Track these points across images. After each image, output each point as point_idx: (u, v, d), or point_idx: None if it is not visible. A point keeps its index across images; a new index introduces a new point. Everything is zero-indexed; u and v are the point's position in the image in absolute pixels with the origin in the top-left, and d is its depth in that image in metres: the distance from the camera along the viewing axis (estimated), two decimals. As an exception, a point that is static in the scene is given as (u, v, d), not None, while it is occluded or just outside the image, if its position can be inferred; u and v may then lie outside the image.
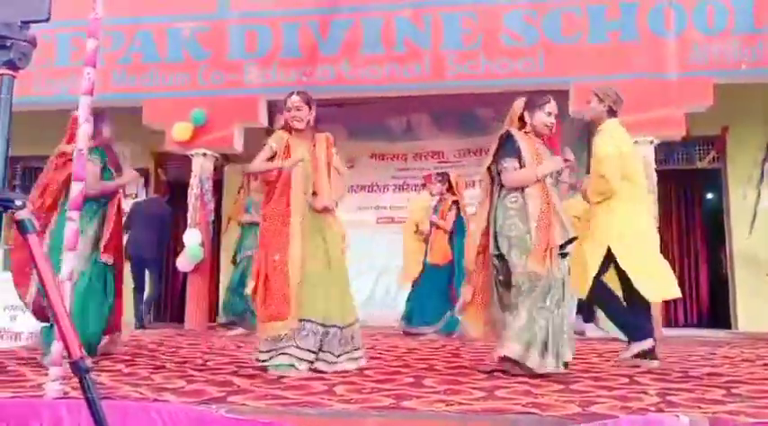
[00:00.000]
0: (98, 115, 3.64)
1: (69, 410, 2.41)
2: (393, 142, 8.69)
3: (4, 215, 1.19)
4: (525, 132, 3.51)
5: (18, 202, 1.18)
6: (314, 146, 3.70)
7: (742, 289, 7.80)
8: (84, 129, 2.64)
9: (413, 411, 2.32)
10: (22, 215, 1.19)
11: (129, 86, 7.33)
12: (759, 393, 2.76)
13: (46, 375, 2.69)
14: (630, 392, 2.75)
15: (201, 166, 7.30)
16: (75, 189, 2.64)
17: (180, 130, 7.10)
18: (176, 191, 8.75)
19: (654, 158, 6.53)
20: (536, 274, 3.21)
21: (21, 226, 1.20)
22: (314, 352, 3.37)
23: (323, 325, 3.41)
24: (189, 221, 7.29)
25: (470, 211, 6.22)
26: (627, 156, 3.94)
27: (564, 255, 3.42)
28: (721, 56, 6.40)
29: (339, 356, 3.45)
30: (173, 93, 7.23)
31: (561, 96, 6.81)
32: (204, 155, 7.28)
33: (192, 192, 7.31)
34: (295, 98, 3.67)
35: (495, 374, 3.32)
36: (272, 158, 3.62)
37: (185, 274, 7.36)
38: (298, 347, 3.33)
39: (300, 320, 3.36)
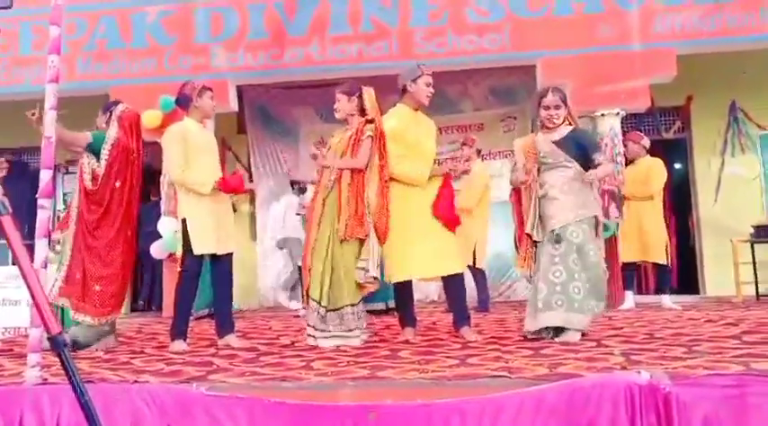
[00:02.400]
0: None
1: (50, 396, 2.45)
2: (364, 122, 8.69)
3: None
4: None
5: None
6: (350, 137, 3.78)
7: (708, 256, 8.02)
8: (51, 117, 2.64)
9: (387, 379, 2.40)
10: (-7, 198, 1.22)
11: (95, 74, 7.23)
12: (717, 349, 2.89)
13: (24, 364, 2.72)
14: (597, 354, 2.87)
15: (172, 153, 7.23)
16: (45, 177, 2.64)
17: (149, 118, 7.02)
18: (148, 180, 8.68)
19: (620, 130, 6.65)
20: None
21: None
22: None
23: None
24: (162, 209, 7.25)
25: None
26: (398, 135, 3.84)
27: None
28: (683, 26, 6.51)
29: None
30: (139, 80, 7.16)
31: (529, 71, 6.94)
32: (175, 141, 7.22)
33: (164, 180, 7.26)
34: (336, 90, 3.87)
35: (469, 344, 3.43)
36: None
37: (160, 262, 7.35)
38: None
39: None
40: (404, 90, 3.93)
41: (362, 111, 3.81)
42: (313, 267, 3.66)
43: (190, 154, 3.81)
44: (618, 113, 6.61)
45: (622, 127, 6.73)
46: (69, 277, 3.82)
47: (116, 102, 4.20)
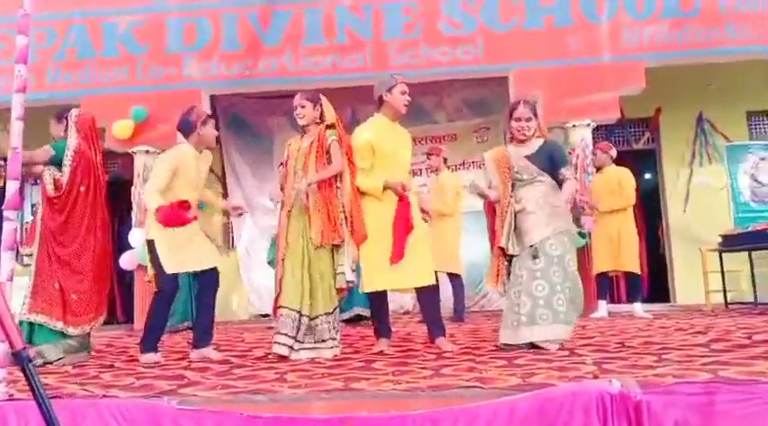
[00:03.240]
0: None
1: (16, 411, 2.39)
2: (339, 132, 8.68)
3: None
4: None
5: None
6: (310, 145, 3.79)
7: (678, 264, 8.16)
8: (18, 127, 2.59)
9: (361, 391, 2.39)
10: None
11: (65, 83, 7.14)
12: (686, 357, 2.93)
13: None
14: (570, 363, 2.89)
15: (144, 164, 7.16)
16: (11, 188, 2.59)
17: (120, 128, 6.97)
18: (118, 191, 8.57)
19: (591, 141, 6.75)
20: None
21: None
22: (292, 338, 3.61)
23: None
24: (133, 220, 7.16)
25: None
26: (373, 147, 3.86)
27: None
28: (651, 39, 6.66)
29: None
30: (111, 89, 7.08)
31: (502, 82, 7.02)
32: (147, 152, 7.15)
33: (136, 191, 7.17)
34: (297, 97, 3.87)
35: (444, 354, 3.44)
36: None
37: (130, 274, 7.25)
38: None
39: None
40: (380, 101, 3.95)
41: (321, 119, 3.83)
42: (286, 276, 3.64)
43: (175, 182, 3.81)
44: (589, 124, 6.72)
45: (593, 138, 6.83)
46: (41, 290, 3.76)
47: (68, 109, 4.13)
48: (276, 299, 3.71)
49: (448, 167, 6.61)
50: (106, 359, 3.90)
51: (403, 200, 3.80)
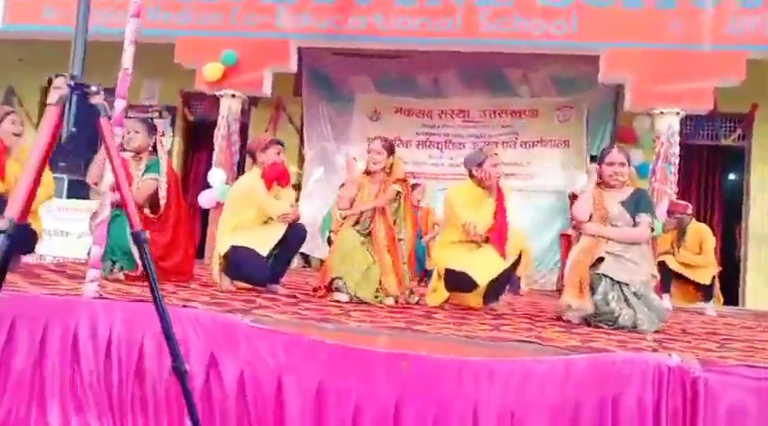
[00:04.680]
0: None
1: (105, 310, 2.61)
2: (419, 98, 8.69)
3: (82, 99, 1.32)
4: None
5: (93, 88, 1.33)
6: (377, 193, 4.00)
7: (752, 269, 7.86)
8: (130, 52, 2.77)
9: (422, 333, 2.49)
10: (96, 99, 1.34)
11: (162, 23, 7.41)
12: (750, 348, 2.89)
13: (79, 283, 2.90)
14: (630, 338, 2.90)
15: (230, 108, 7.40)
16: (119, 106, 2.78)
17: (211, 70, 7.21)
18: (201, 132, 8.91)
19: (678, 131, 6.53)
20: None
21: (95, 110, 1.34)
22: None
23: None
24: (214, 161, 7.45)
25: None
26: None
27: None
28: (757, 30, 6.33)
29: None
30: (205, 32, 7.32)
31: (591, 61, 6.85)
32: (233, 96, 7.39)
33: (219, 133, 7.44)
34: (376, 143, 4.06)
35: (503, 316, 3.50)
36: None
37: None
38: None
39: None
40: (470, 174, 4.11)
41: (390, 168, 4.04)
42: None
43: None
44: (678, 113, 6.49)
45: (681, 128, 6.61)
46: None
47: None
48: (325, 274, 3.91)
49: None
50: (181, 282, 4.13)
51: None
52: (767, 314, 6.49)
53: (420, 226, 6.25)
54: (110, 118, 1.37)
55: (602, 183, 3.72)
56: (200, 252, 8.40)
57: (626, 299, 3.41)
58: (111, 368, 2.47)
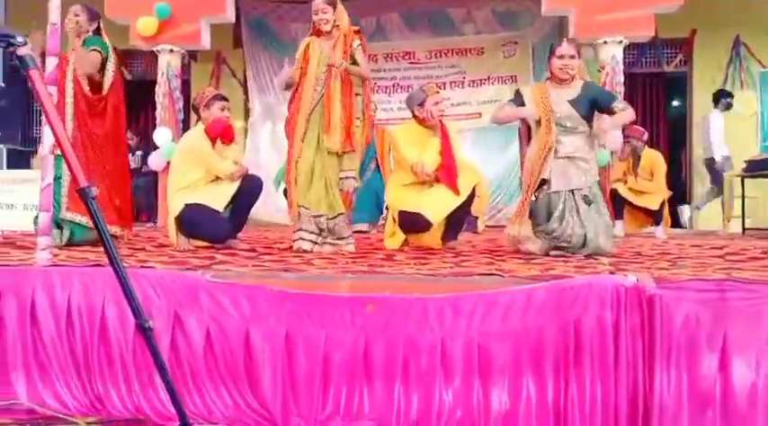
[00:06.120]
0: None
1: (61, 277, 2.53)
2: (362, 42, 8.53)
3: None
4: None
5: (19, 38, 1.24)
6: (333, 47, 3.76)
7: (698, 194, 8.13)
8: (57, 2, 2.62)
9: (384, 274, 2.50)
10: (23, 51, 1.25)
11: (89, -23, 7.01)
12: (701, 264, 3.01)
13: (29, 253, 2.80)
14: (586, 263, 2.98)
15: (168, 63, 7.13)
16: (51, 64, 2.64)
17: (145, 25, 6.90)
18: (142, 90, 8.59)
19: (622, 59, 6.59)
20: None
21: (23, 62, 1.26)
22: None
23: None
24: (158, 120, 7.22)
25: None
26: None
27: None
28: (694, -46, 6.37)
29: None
30: (136, -14, 6.96)
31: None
32: (171, 51, 7.11)
33: (160, 91, 7.18)
34: (318, 1, 3.78)
35: (463, 253, 3.54)
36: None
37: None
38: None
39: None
40: (413, 114, 4.06)
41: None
42: (301, 177, 3.73)
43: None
44: (621, 42, 6.54)
45: (624, 56, 6.67)
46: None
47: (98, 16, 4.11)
48: (291, 199, 3.80)
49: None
50: (136, 245, 4.05)
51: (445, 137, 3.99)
52: (713, 233, 6.76)
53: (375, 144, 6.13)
54: (37, 68, 1.28)
55: (553, 78, 3.68)
56: (153, 216, 8.30)
57: (578, 211, 3.50)
58: (74, 334, 2.43)
